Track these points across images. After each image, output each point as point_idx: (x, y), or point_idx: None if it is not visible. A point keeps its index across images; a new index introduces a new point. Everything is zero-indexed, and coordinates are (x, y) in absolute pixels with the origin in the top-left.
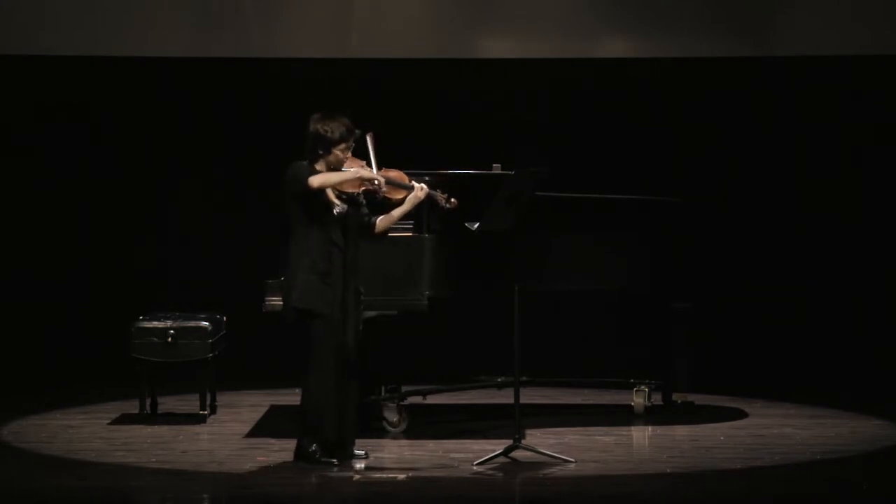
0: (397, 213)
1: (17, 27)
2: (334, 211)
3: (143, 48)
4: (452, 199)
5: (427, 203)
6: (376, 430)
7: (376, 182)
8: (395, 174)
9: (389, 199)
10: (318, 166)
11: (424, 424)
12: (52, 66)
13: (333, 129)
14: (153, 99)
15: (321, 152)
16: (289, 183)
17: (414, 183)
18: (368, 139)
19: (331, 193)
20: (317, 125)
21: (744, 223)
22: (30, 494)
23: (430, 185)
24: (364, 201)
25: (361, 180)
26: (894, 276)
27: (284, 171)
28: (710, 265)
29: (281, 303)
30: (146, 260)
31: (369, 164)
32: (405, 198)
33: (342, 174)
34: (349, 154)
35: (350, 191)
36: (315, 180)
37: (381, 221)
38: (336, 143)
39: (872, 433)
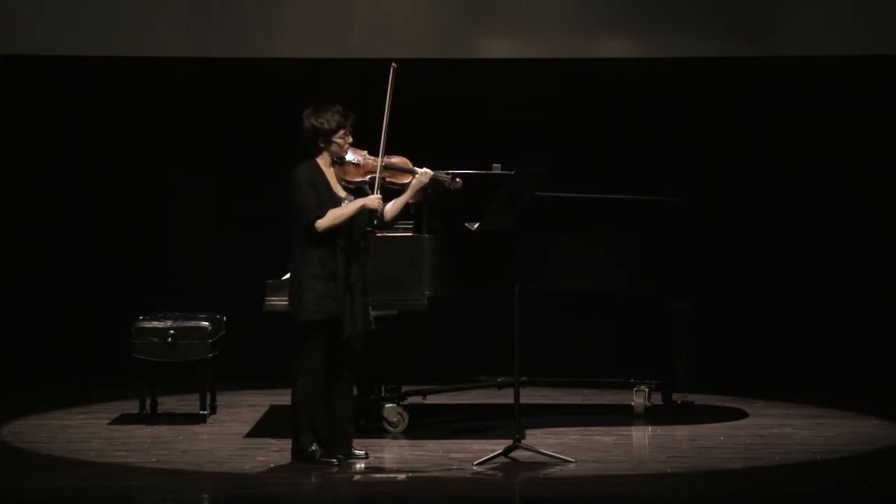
0: (403, 198)
1: (15, 27)
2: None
3: (144, 48)
4: (457, 179)
5: (432, 191)
6: (376, 430)
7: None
8: (398, 159)
9: (394, 186)
10: (322, 159)
11: (424, 424)
12: (52, 67)
13: (328, 119)
14: (154, 99)
15: (322, 145)
16: (290, 192)
17: (417, 168)
18: (392, 70)
19: (337, 186)
20: (311, 120)
21: (743, 223)
22: (30, 494)
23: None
24: (371, 190)
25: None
26: (894, 276)
27: (287, 176)
28: (710, 265)
29: (280, 303)
30: (146, 260)
31: (373, 153)
32: (410, 182)
33: (344, 210)
34: (349, 139)
35: (357, 180)
36: (322, 223)
37: (389, 209)
38: (334, 132)
39: (872, 433)
